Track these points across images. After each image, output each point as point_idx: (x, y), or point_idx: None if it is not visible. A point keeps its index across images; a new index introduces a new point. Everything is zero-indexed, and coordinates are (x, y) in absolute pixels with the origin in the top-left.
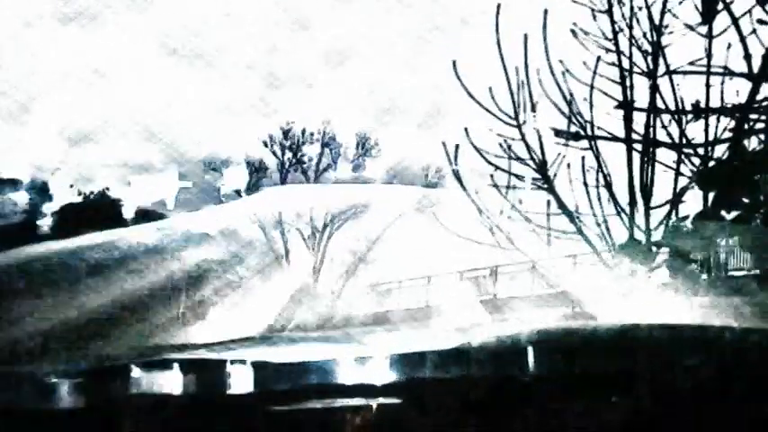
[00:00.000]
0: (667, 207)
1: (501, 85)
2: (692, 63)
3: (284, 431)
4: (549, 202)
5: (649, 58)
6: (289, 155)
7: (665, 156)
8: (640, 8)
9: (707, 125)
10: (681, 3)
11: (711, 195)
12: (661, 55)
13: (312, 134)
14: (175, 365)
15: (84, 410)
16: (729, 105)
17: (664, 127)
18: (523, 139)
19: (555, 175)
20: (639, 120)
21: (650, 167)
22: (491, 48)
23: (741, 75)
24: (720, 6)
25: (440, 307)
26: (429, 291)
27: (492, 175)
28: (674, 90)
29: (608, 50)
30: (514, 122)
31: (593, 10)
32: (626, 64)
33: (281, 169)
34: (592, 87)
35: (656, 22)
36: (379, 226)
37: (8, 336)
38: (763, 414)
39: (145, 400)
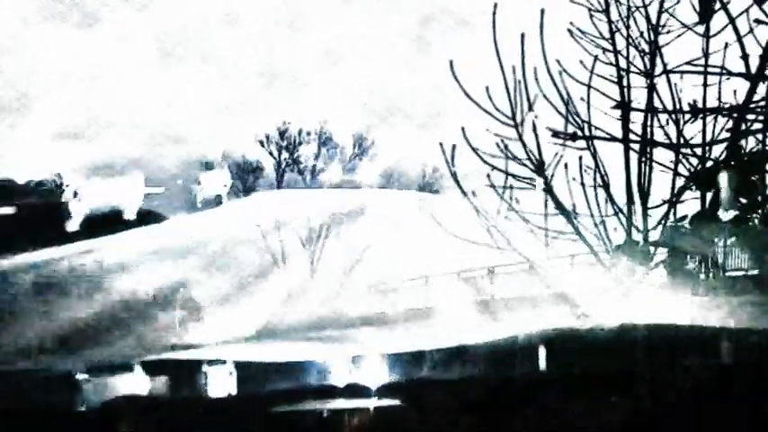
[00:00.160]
0: (665, 207)
1: (498, 85)
2: (689, 63)
3: (282, 430)
4: (546, 203)
5: (646, 58)
6: (285, 155)
7: (663, 156)
8: (637, 8)
9: (704, 125)
10: (678, 2)
11: (709, 196)
12: (658, 55)
13: (309, 133)
14: (167, 366)
15: (81, 411)
16: (727, 105)
17: (661, 127)
18: (521, 138)
19: (552, 175)
20: (637, 120)
21: (648, 168)
22: (488, 47)
23: (738, 75)
24: (718, 6)
25: (437, 308)
26: (427, 291)
27: (488, 175)
28: (671, 90)
29: (605, 50)
30: (511, 122)
31: (590, 9)
32: (623, 64)
33: (277, 169)
34: (589, 87)
35: (654, 21)
36: (374, 231)
37: None
38: (763, 414)
39: (139, 400)
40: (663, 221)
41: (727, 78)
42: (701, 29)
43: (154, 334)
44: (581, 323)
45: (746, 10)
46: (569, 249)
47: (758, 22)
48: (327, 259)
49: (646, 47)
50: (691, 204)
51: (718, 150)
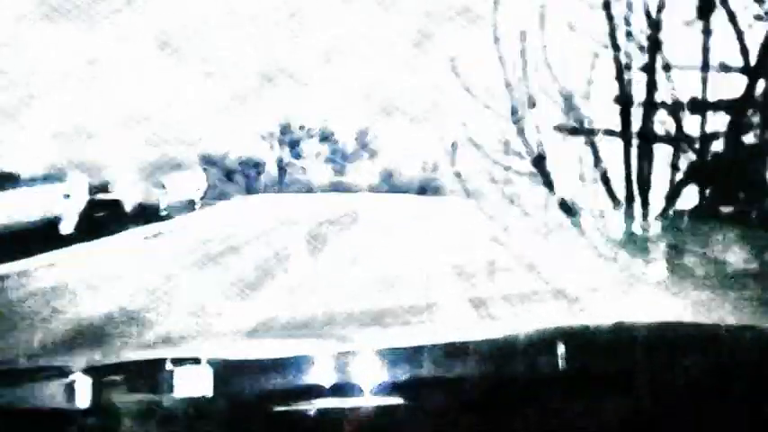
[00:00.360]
0: (664, 201)
1: (499, 81)
2: (689, 58)
3: (282, 431)
4: (546, 197)
5: (646, 54)
6: (287, 150)
7: (662, 151)
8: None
9: (703, 120)
10: None
11: (708, 190)
12: (658, 50)
13: (310, 129)
14: (169, 364)
15: (79, 411)
16: (726, 100)
17: (661, 122)
18: (521, 134)
19: (552, 170)
20: (636, 115)
21: (647, 162)
22: (489, 44)
23: (737, 70)
24: (717, 2)
25: (436, 304)
26: (425, 288)
27: (489, 171)
28: (671, 85)
29: (605, 46)
30: (512, 118)
31: (590, 6)
32: (623, 59)
33: (279, 165)
34: (589, 83)
35: (653, 17)
36: (366, 239)
37: None
38: (763, 414)
39: (138, 399)
40: (662, 215)
41: (727, 74)
42: (700, 25)
43: None
44: (580, 320)
45: (745, 6)
46: (569, 244)
47: (757, 18)
48: (308, 279)
49: (645, 43)
50: (690, 198)
51: (717, 145)
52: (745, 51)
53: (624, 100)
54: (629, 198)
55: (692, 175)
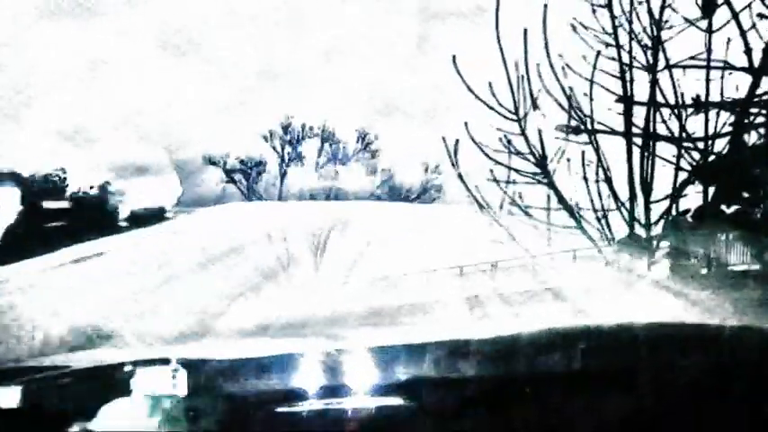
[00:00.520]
0: (667, 201)
1: (501, 81)
2: (692, 57)
3: (282, 431)
4: (549, 197)
5: (649, 53)
6: (288, 149)
7: (665, 150)
8: (640, 3)
9: (707, 119)
10: None
11: (711, 190)
12: (661, 49)
13: (311, 128)
14: (172, 363)
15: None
16: (729, 100)
17: (663, 121)
18: (523, 133)
19: (555, 170)
20: (639, 114)
21: (650, 162)
22: (491, 43)
23: (741, 69)
24: (720, 1)
25: (438, 303)
26: (427, 287)
27: (492, 170)
28: (673, 84)
29: (608, 45)
30: (514, 117)
31: (592, 4)
32: (626, 58)
33: (280, 164)
34: (592, 82)
35: (656, 16)
36: (366, 242)
37: None
38: (763, 414)
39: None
40: (665, 216)
41: (730, 73)
42: (703, 24)
43: None
44: (581, 319)
45: (749, 5)
46: (571, 244)
47: (761, 16)
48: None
49: (648, 42)
50: (693, 198)
51: (720, 144)
52: (748, 50)
53: (627, 99)
54: (632, 198)
55: (695, 174)
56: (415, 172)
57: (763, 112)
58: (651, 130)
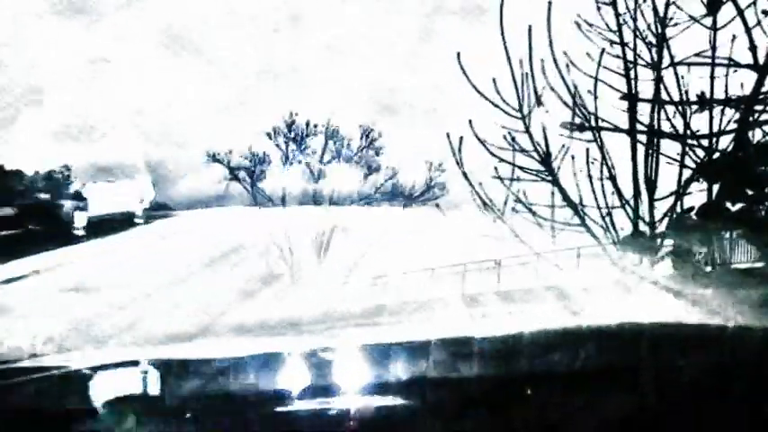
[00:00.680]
0: (671, 199)
1: (505, 78)
2: (696, 55)
3: (282, 431)
4: (553, 195)
5: (654, 50)
6: (293, 147)
7: (670, 147)
8: (644, 0)
9: (711, 117)
10: None
11: (716, 187)
12: (665, 47)
13: (316, 126)
14: (168, 364)
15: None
16: (734, 97)
17: (668, 119)
18: (527, 131)
19: (559, 167)
20: (644, 111)
21: (654, 159)
22: (494, 41)
23: (746, 66)
24: None
25: (440, 301)
26: (429, 284)
27: (496, 168)
28: (678, 82)
29: (612, 42)
30: (518, 114)
31: (597, 2)
32: (630, 56)
33: (284, 161)
34: (596, 79)
35: (661, 14)
36: (365, 243)
37: None
38: (763, 414)
39: (134, 400)
40: (669, 213)
41: (735, 70)
42: (708, 21)
43: None
44: (583, 318)
45: (754, 2)
46: (576, 242)
47: (766, 13)
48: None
49: (653, 39)
50: (698, 196)
51: (725, 142)
52: (753, 47)
53: (631, 96)
54: (636, 195)
55: (700, 172)
56: (418, 170)
57: None
58: (656, 127)
